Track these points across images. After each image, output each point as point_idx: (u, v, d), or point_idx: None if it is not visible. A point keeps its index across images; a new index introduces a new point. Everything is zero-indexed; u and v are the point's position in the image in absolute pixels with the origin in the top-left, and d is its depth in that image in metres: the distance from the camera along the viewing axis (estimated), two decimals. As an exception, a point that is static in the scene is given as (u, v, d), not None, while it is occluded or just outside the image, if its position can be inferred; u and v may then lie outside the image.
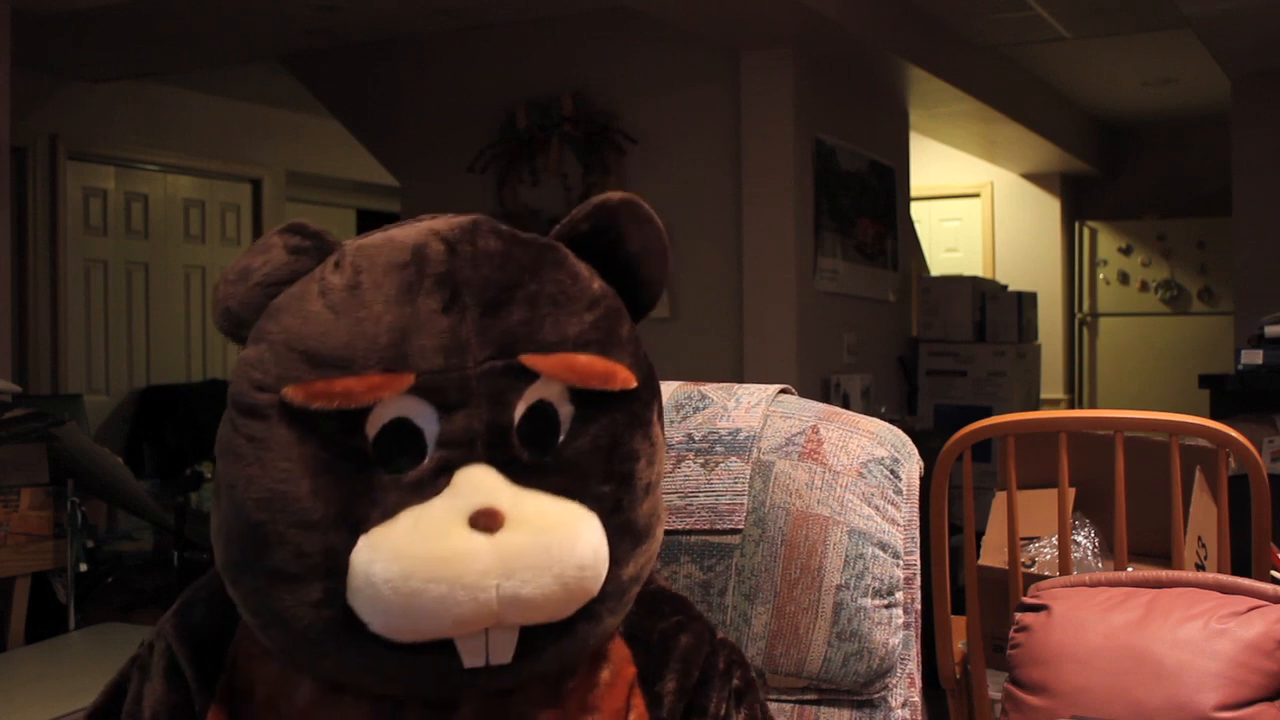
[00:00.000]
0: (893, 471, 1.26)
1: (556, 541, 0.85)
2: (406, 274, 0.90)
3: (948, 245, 7.51)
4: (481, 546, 0.83)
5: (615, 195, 1.00)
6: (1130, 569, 1.84)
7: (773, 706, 1.20)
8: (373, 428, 0.87)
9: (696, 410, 1.29)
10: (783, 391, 1.33)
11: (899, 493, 1.26)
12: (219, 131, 6.39)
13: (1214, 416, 3.11)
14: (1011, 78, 5.85)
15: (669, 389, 1.32)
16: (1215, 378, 3.76)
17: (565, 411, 0.91)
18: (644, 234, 1.00)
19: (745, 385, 1.34)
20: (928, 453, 2.01)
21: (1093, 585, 1.72)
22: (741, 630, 1.21)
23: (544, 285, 0.93)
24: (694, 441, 1.26)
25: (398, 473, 0.87)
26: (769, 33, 4.20)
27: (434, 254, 0.91)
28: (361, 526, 0.85)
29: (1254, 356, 3.36)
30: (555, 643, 0.88)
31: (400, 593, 0.82)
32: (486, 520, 0.84)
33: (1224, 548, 2.00)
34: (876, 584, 1.21)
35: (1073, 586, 1.73)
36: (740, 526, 1.22)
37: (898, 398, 5.18)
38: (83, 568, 2.66)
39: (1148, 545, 2.25)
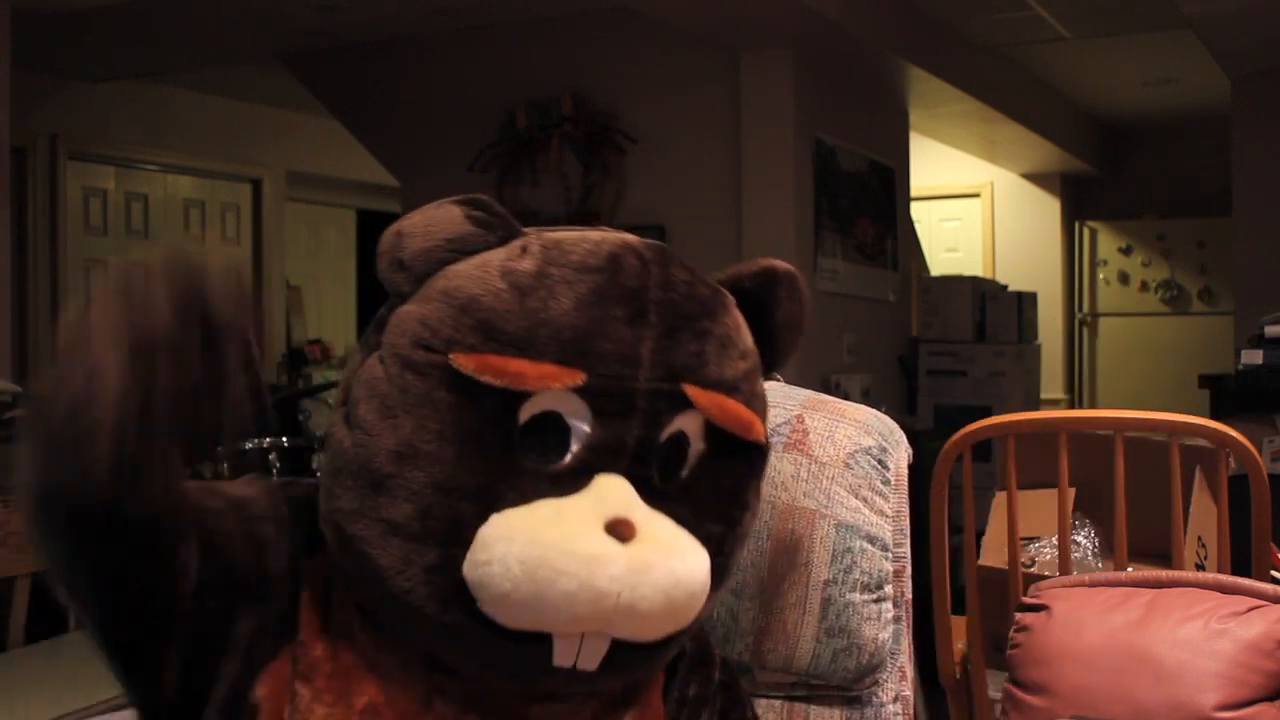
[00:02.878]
0: (880, 461, 1.25)
1: (680, 566, 0.88)
2: (600, 278, 0.91)
3: (948, 245, 7.51)
4: (617, 553, 0.85)
5: (782, 266, 1.06)
6: (1130, 569, 1.84)
7: (762, 703, 1.20)
8: (526, 414, 0.88)
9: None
10: (768, 378, 1.32)
11: (887, 483, 1.25)
12: (219, 131, 6.39)
13: (1214, 416, 3.11)
14: (1011, 78, 5.85)
15: None
16: (1215, 378, 3.76)
17: (696, 448, 0.94)
18: (794, 310, 1.05)
19: None
20: (928, 453, 2.02)
21: (1093, 585, 1.72)
22: (729, 626, 1.21)
23: (716, 325, 0.96)
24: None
25: (541, 460, 0.88)
26: (769, 33, 4.19)
27: (629, 267, 0.93)
28: (496, 504, 0.86)
29: (1254, 356, 3.36)
30: (639, 660, 0.91)
31: (531, 578, 0.83)
32: (623, 529, 0.86)
33: (1224, 548, 2.00)
34: (865, 578, 1.20)
35: (1073, 586, 1.73)
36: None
37: (898, 398, 5.18)
38: (82, 568, 2.66)
39: (1148, 545, 2.25)
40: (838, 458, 1.23)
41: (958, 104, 5.39)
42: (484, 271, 0.91)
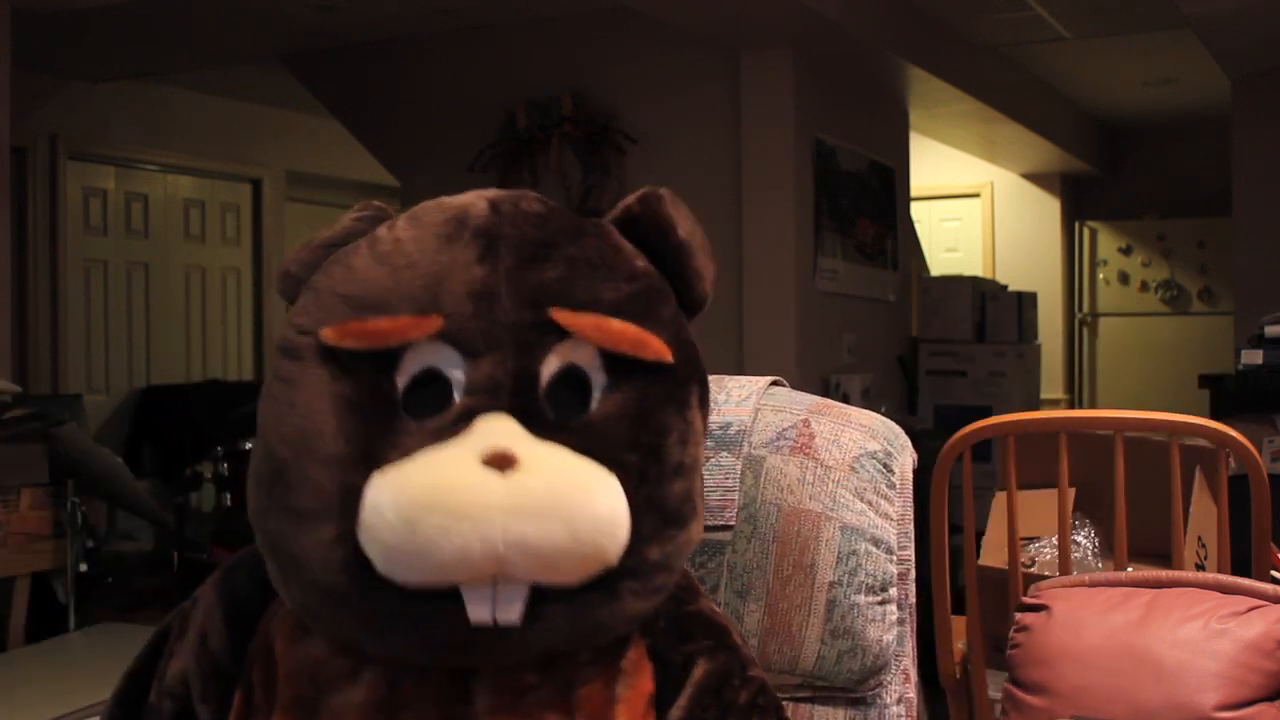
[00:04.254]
0: (885, 465, 1.25)
1: (570, 491, 0.84)
2: (448, 228, 0.93)
3: (948, 245, 7.51)
4: (490, 480, 0.82)
5: (663, 190, 1.03)
6: (1130, 569, 1.84)
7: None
8: (403, 376, 0.88)
9: (686, 405, 1.28)
10: (774, 383, 1.32)
11: (892, 486, 1.25)
12: (219, 131, 6.39)
13: (1214, 416, 3.11)
14: (1011, 78, 5.85)
15: None
16: (1215, 378, 3.77)
17: (598, 380, 0.91)
18: (690, 225, 1.01)
19: (735, 378, 1.32)
20: (928, 453, 2.02)
21: (1093, 585, 1.72)
22: (735, 628, 1.21)
23: (584, 250, 0.94)
24: (685, 436, 1.26)
25: (423, 420, 0.87)
26: (769, 33, 4.19)
27: (477, 211, 0.94)
28: (379, 466, 0.85)
29: (1254, 356, 3.36)
30: (567, 611, 0.86)
31: (406, 522, 0.81)
32: (499, 460, 0.83)
33: (1224, 548, 2.00)
34: (870, 580, 1.20)
35: (1073, 586, 1.73)
36: (732, 523, 1.21)
37: (898, 398, 5.18)
38: (83, 568, 2.66)
39: (1148, 545, 2.25)
40: (843, 461, 1.24)
41: (958, 104, 5.39)
42: (350, 253, 0.94)
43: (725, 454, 1.24)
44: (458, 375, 0.88)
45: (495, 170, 4.78)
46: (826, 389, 4.50)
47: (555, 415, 0.88)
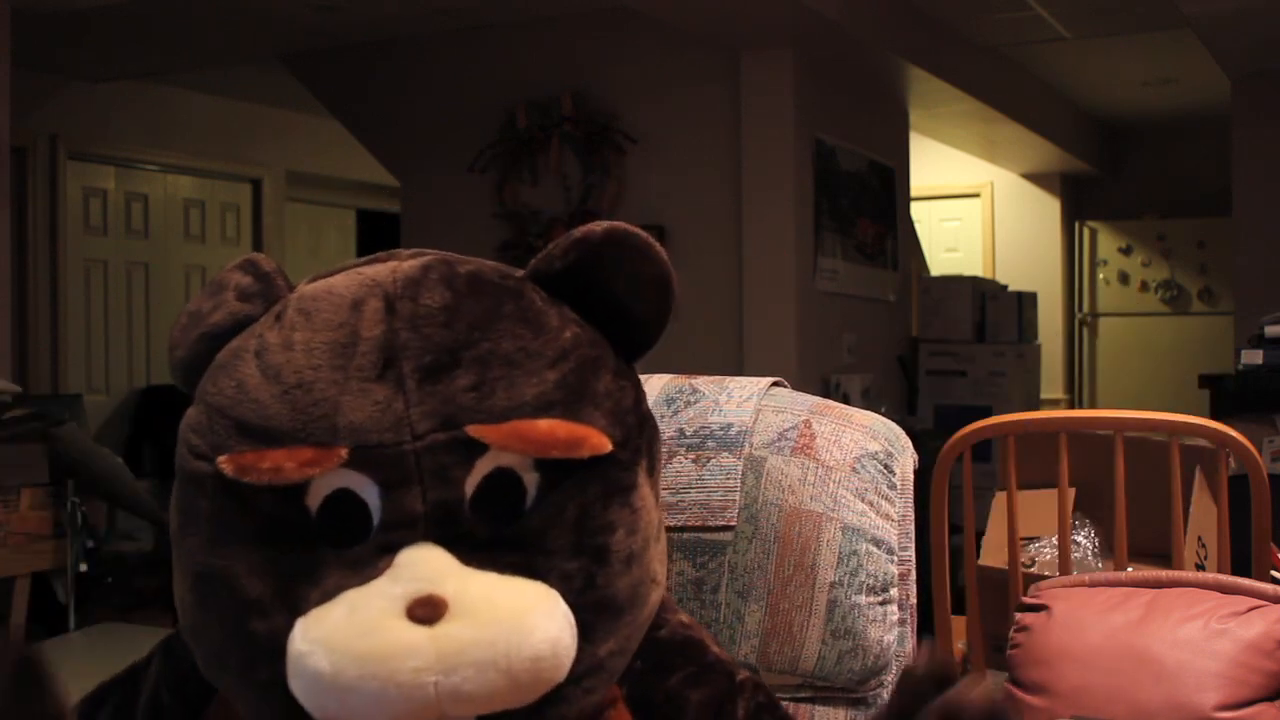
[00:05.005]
0: (886, 466, 1.25)
1: (504, 635, 0.78)
2: (341, 334, 0.84)
3: (948, 245, 7.51)
4: (418, 641, 0.76)
5: (598, 228, 0.89)
6: (1130, 569, 1.84)
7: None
8: (314, 500, 0.81)
9: (688, 405, 1.28)
10: (775, 384, 1.32)
11: (893, 487, 1.25)
12: (219, 131, 6.39)
13: (1214, 416, 3.10)
14: (1011, 78, 5.85)
15: (658, 382, 1.31)
16: (1215, 378, 3.77)
17: (530, 479, 0.83)
18: (635, 270, 0.90)
19: (736, 379, 1.32)
20: (928, 453, 2.02)
21: (1093, 585, 1.72)
22: (735, 628, 1.21)
23: (498, 343, 0.84)
24: (685, 437, 1.25)
25: (341, 547, 0.81)
26: (769, 33, 4.19)
27: (370, 313, 0.84)
28: (300, 607, 0.80)
29: (1254, 356, 3.36)
30: None
31: (336, 688, 0.77)
32: (425, 611, 0.77)
33: (1224, 548, 2.00)
34: (870, 581, 1.20)
35: (1073, 586, 1.73)
36: (733, 523, 1.21)
37: (898, 398, 5.18)
38: (83, 568, 2.66)
39: (1148, 545, 2.25)
40: (844, 462, 1.24)
41: (958, 104, 5.39)
42: (237, 358, 0.86)
43: (726, 454, 1.24)
44: (373, 500, 0.81)
45: (495, 170, 4.78)
46: (826, 389, 4.50)
47: (485, 529, 0.82)
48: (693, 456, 1.24)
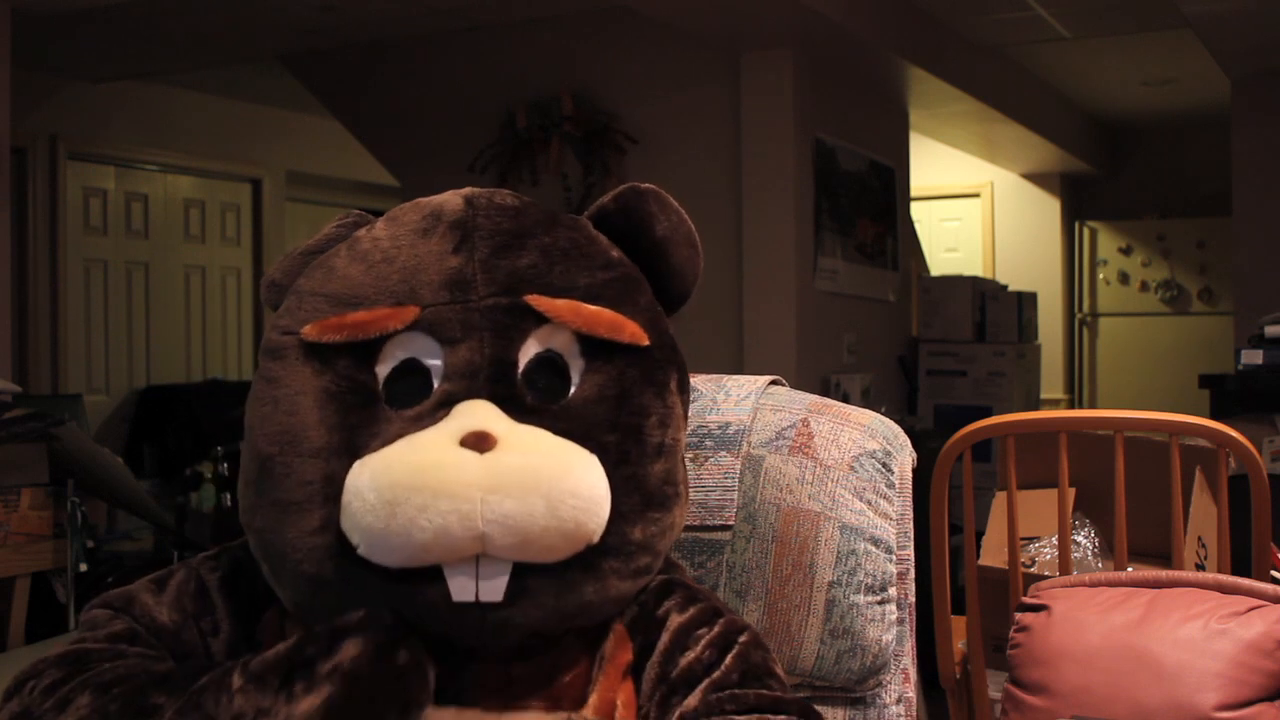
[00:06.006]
0: (885, 465, 1.25)
1: (549, 465, 0.85)
2: (424, 223, 0.95)
3: (948, 245, 7.51)
4: (469, 459, 0.83)
5: (642, 185, 1.02)
6: (1130, 569, 1.84)
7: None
8: (383, 367, 0.90)
9: (685, 403, 1.28)
10: (773, 383, 1.32)
11: (891, 486, 1.25)
12: (219, 131, 6.39)
13: (1214, 416, 3.11)
14: (1011, 78, 5.85)
15: None
16: (1215, 378, 3.76)
17: (576, 365, 0.92)
18: (671, 222, 1.01)
19: (734, 377, 1.32)
20: (928, 453, 2.02)
21: (1093, 585, 1.72)
22: (735, 628, 1.21)
23: (557, 239, 0.95)
24: (683, 436, 1.26)
25: (403, 409, 0.89)
26: (769, 33, 4.19)
27: (451, 206, 0.96)
28: (361, 454, 0.86)
29: (1254, 356, 3.36)
30: (551, 588, 0.86)
31: (387, 504, 0.81)
32: (477, 440, 0.84)
33: (1224, 548, 2.00)
34: (869, 580, 1.20)
35: (1073, 586, 1.73)
36: (731, 522, 1.21)
37: (898, 398, 5.18)
38: (83, 568, 2.66)
39: (1148, 545, 2.25)
40: (842, 461, 1.23)
41: (958, 104, 5.39)
42: (331, 256, 0.96)
43: (724, 453, 1.23)
44: (436, 364, 0.90)
45: (495, 170, 4.78)
46: (826, 389, 4.50)
47: (534, 399, 0.90)
48: (690, 455, 1.23)
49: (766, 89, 4.35)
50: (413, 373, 0.90)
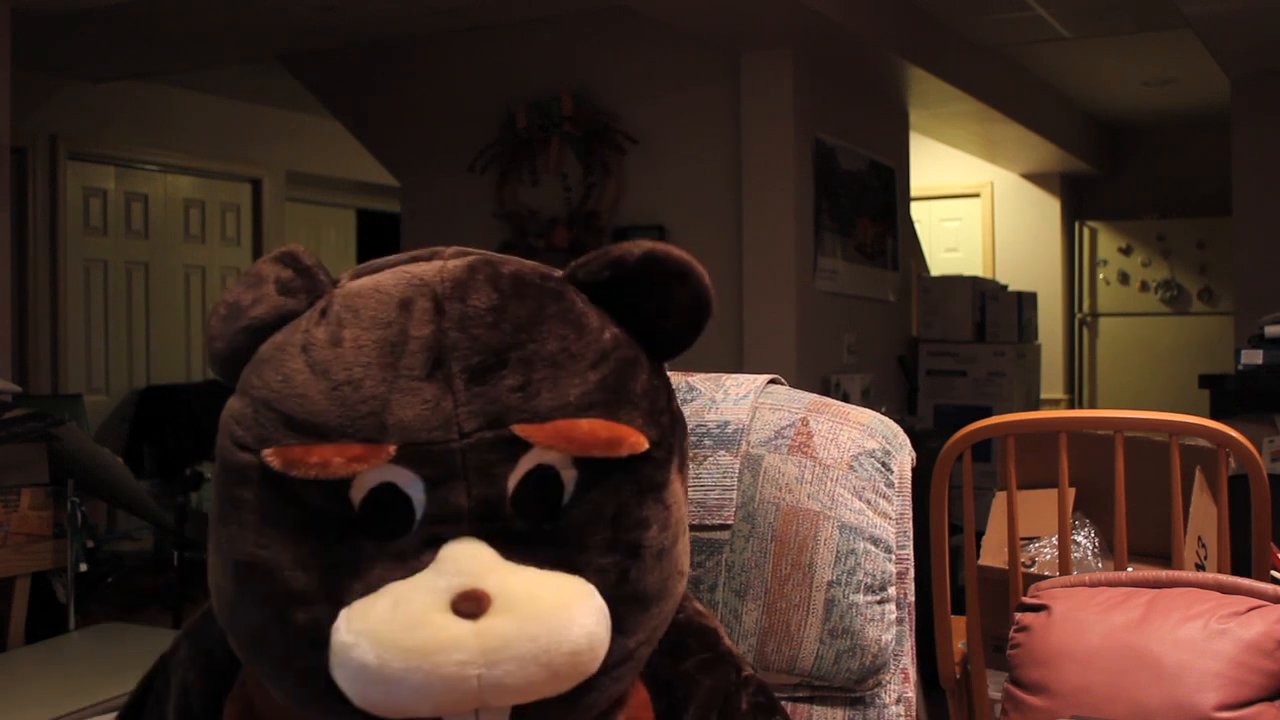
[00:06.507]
0: (884, 464, 1.25)
1: (546, 631, 0.80)
2: (390, 333, 0.85)
3: (948, 245, 7.51)
4: (463, 635, 0.79)
5: (636, 250, 0.92)
6: (1130, 569, 1.84)
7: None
8: (358, 493, 0.83)
9: (684, 402, 1.27)
10: (772, 381, 1.32)
11: (890, 485, 1.24)
12: (219, 131, 6.39)
13: (1214, 416, 3.11)
14: (1011, 78, 5.85)
15: None
16: (1215, 378, 3.76)
17: (569, 475, 0.86)
18: (667, 294, 0.92)
19: (733, 376, 1.32)
20: (928, 453, 2.02)
21: (1093, 585, 1.72)
22: (732, 627, 1.20)
23: (543, 344, 0.87)
24: (682, 435, 1.25)
25: (384, 540, 0.83)
26: (769, 33, 4.19)
27: (419, 313, 0.86)
28: (344, 598, 0.81)
29: (1254, 356, 3.36)
30: (551, 713, 0.84)
31: (381, 679, 0.79)
32: (469, 605, 0.80)
33: (1224, 548, 2.00)
34: (868, 580, 1.20)
35: (1073, 586, 1.73)
36: (730, 522, 1.21)
37: (898, 398, 5.18)
38: (83, 568, 2.66)
39: (1148, 545, 2.25)
40: (842, 460, 1.23)
41: (958, 104, 5.39)
42: (283, 352, 0.87)
43: (723, 453, 1.23)
44: (418, 496, 0.83)
45: (495, 170, 4.78)
46: (826, 389, 4.50)
47: (525, 525, 0.84)
48: (690, 455, 1.23)
49: (766, 89, 4.35)
50: (390, 496, 0.83)
